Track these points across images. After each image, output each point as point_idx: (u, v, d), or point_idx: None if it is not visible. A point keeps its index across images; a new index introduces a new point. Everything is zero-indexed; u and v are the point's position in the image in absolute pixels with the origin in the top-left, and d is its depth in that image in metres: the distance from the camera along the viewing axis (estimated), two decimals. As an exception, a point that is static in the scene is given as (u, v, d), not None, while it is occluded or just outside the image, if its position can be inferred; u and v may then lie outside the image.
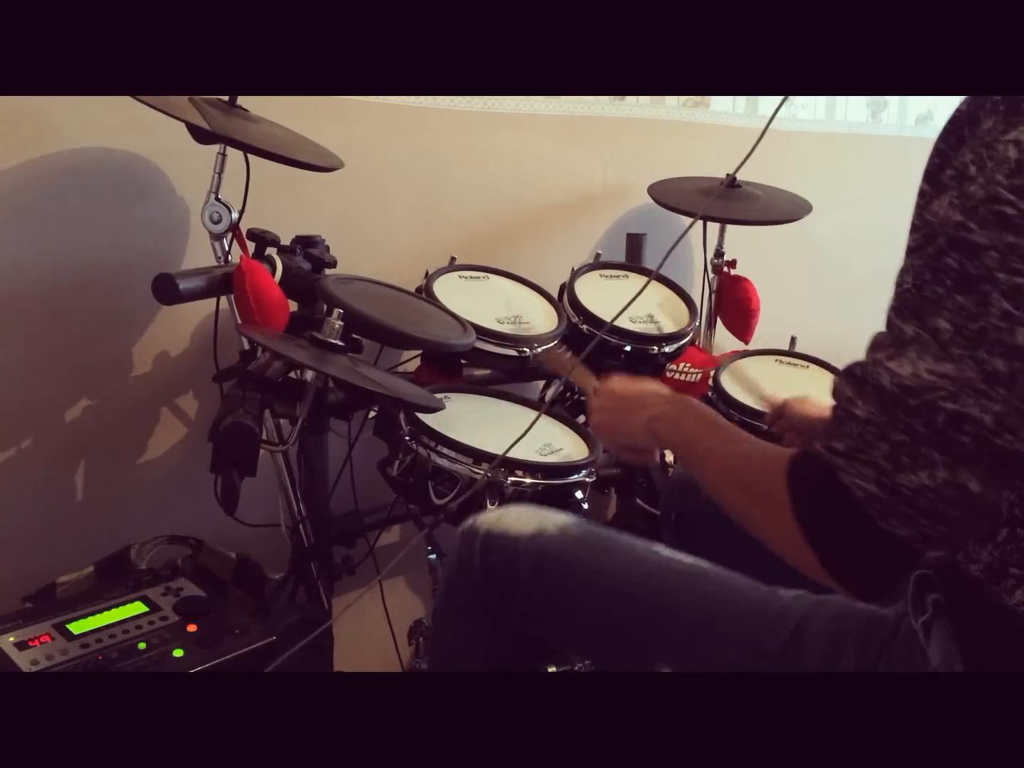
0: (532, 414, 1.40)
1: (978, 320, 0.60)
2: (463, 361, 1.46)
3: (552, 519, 0.97)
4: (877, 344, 0.67)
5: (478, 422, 1.32)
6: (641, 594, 0.90)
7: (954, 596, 0.75)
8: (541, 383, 1.69)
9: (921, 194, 0.70)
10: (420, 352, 1.50)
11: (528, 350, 1.43)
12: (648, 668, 0.89)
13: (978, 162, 0.62)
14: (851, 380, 0.67)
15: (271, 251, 1.29)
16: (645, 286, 0.91)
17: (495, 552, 0.95)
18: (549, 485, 1.21)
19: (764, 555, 0.94)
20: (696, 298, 1.72)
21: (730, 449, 0.81)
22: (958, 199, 0.63)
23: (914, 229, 0.69)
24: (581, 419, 1.57)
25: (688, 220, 1.89)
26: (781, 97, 1.13)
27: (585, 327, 1.54)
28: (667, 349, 1.57)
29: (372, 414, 1.39)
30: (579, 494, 1.24)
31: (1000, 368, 0.59)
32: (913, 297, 0.64)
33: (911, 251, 0.68)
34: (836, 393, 0.69)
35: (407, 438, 1.23)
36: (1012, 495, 0.67)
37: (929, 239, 0.65)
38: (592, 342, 0.93)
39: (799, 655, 0.82)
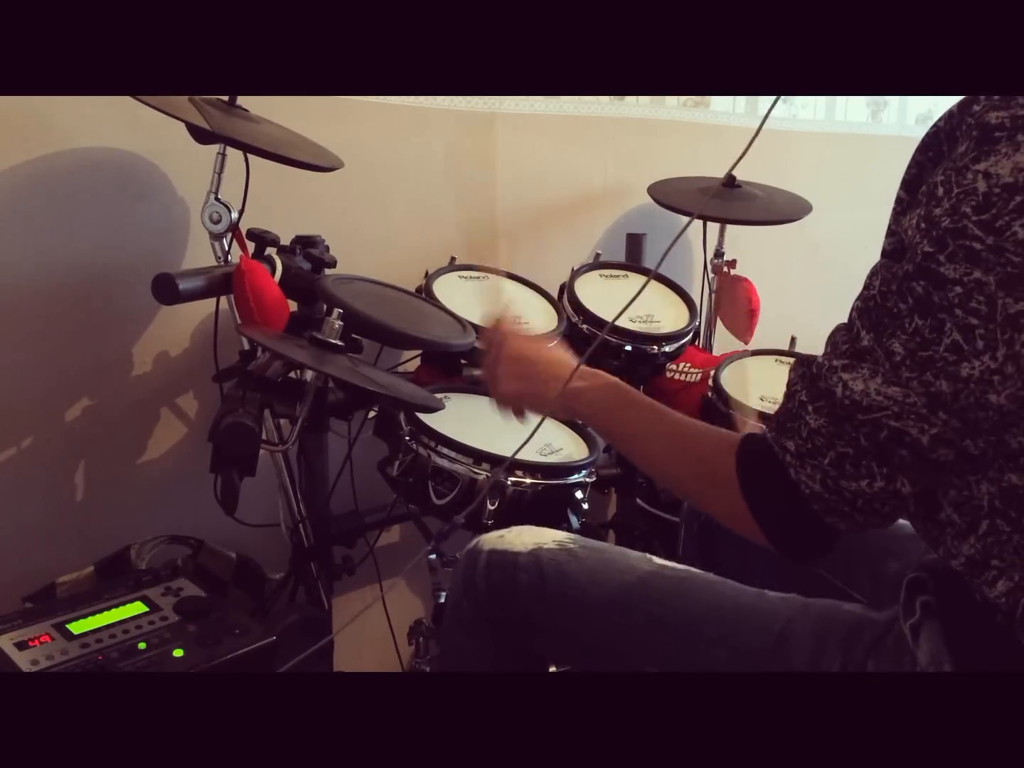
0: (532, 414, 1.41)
1: (929, 348, 0.64)
2: (463, 361, 1.46)
3: (551, 535, 1.00)
4: (835, 346, 0.70)
5: (478, 422, 1.32)
6: (635, 603, 0.92)
7: (944, 597, 0.75)
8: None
9: (898, 200, 0.71)
10: (420, 352, 1.50)
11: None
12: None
13: (946, 185, 0.64)
14: (807, 380, 0.72)
15: (271, 251, 1.29)
16: (644, 286, 0.92)
17: (497, 569, 0.97)
18: (549, 485, 1.21)
19: (781, 563, 0.95)
20: (696, 298, 1.72)
21: (675, 430, 0.85)
22: (924, 223, 0.65)
23: (890, 233, 0.71)
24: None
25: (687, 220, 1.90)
26: (781, 97, 1.13)
27: (585, 327, 1.54)
28: (667, 349, 1.57)
29: (372, 414, 1.39)
30: (579, 494, 1.25)
31: (944, 390, 0.64)
32: (876, 306, 0.68)
33: (885, 254, 0.71)
34: (791, 384, 0.74)
35: (407, 438, 1.23)
36: (992, 487, 0.68)
37: (899, 253, 0.68)
38: (594, 343, 0.94)
39: (786, 656, 0.83)
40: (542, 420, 1.03)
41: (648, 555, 0.98)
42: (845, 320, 0.72)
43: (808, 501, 0.71)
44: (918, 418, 0.65)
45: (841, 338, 0.70)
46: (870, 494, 0.69)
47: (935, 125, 0.69)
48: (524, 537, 0.99)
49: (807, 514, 0.71)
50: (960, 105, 0.67)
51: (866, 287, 0.70)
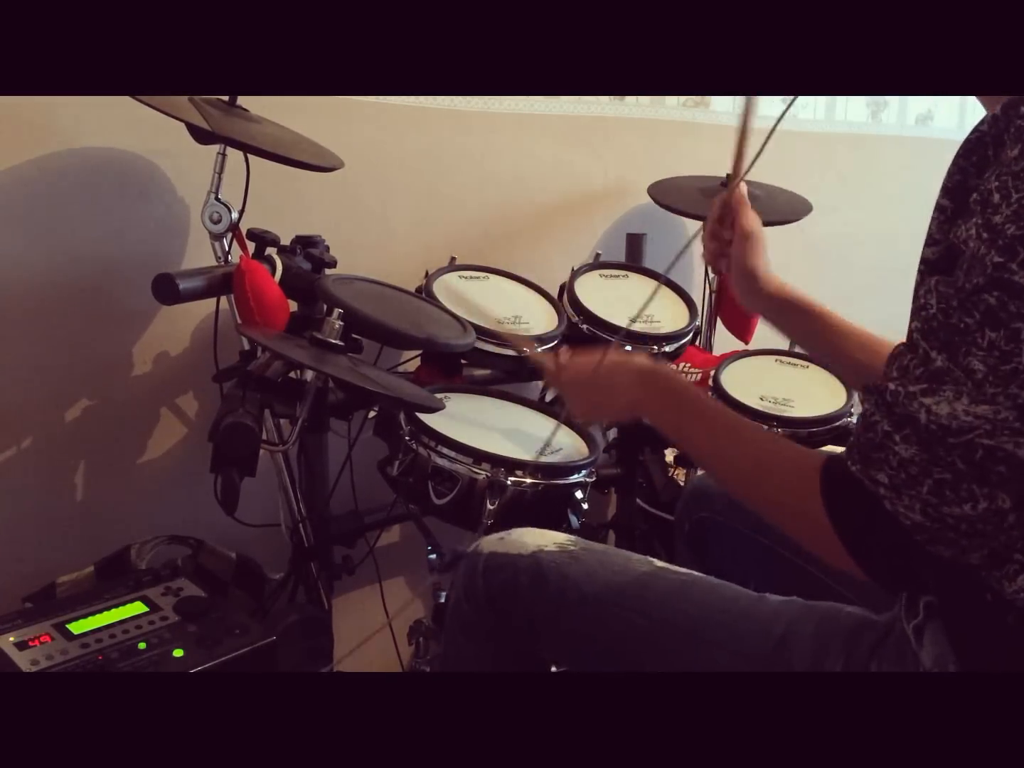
0: (532, 414, 1.41)
1: (1010, 360, 0.62)
2: (463, 361, 1.47)
3: (552, 537, 1.00)
4: (905, 370, 0.68)
5: (478, 422, 1.32)
6: (635, 605, 0.92)
7: (949, 593, 0.75)
8: (541, 383, 1.69)
9: (940, 208, 0.70)
10: (420, 352, 1.50)
11: (528, 350, 1.43)
12: None
13: (1003, 191, 0.62)
14: (884, 409, 0.69)
15: (271, 251, 1.29)
16: (655, 292, 0.92)
17: (497, 571, 0.97)
18: (549, 485, 1.21)
19: (775, 563, 0.94)
20: (696, 298, 1.72)
21: (747, 451, 0.81)
22: (986, 232, 0.63)
23: (933, 242, 0.69)
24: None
25: (688, 220, 1.90)
26: (781, 97, 1.13)
27: (585, 327, 1.54)
28: (667, 349, 1.57)
29: (372, 414, 1.39)
30: (579, 494, 1.24)
31: None
32: (940, 325, 0.65)
33: (929, 265, 0.69)
34: (868, 415, 0.70)
35: (407, 438, 1.23)
36: None
37: (947, 263, 0.66)
38: (608, 348, 0.94)
39: (787, 659, 0.83)
40: (556, 429, 1.04)
41: (649, 558, 0.97)
42: (904, 342, 0.70)
43: (910, 533, 0.68)
44: (1012, 432, 0.63)
45: (910, 362, 0.67)
46: (974, 516, 0.66)
47: (977, 130, 0.68)
48: (525, 539, 0.99)
49: (908, 546, 0.69)
50: (1004, 108, 0.66)
51: (922, 307, 0.68)
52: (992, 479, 0.65)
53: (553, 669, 1.13)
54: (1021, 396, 0.62)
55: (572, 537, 1.00)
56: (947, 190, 0.69)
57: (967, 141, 0.69)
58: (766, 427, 1.43)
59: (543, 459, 1.25)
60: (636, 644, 0.91)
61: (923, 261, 0.70)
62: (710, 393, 1.53)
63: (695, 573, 0.95)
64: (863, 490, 0.69)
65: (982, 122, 0.68)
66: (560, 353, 1.07)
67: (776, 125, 0.85)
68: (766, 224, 1.78)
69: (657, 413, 0.91)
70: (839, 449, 0.80)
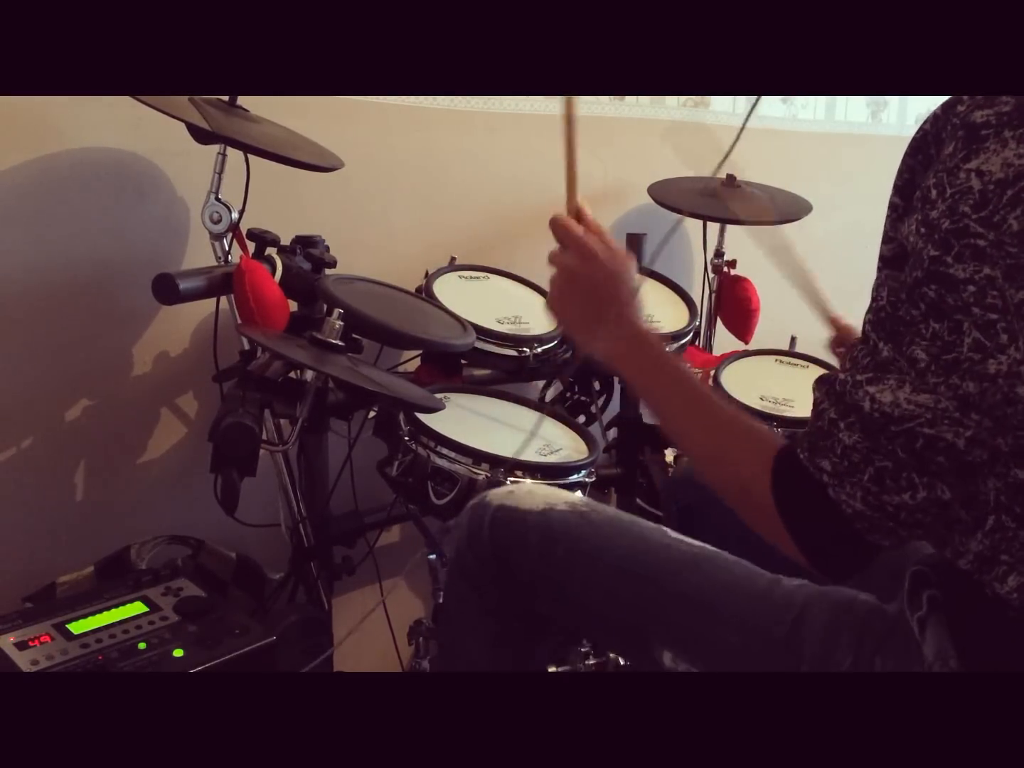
0: (532, 414, 1.41)
1: (952, 350, 0.63)
2: (463, 361, 1.47)
3: (562, 496, 0.98)
4: (856, 361, 0.70)
5: (478, 422, 1.32)
6: (647, 573, 0.90)
7: (949, 591, 0.75)
8: (541, 383, 1.69)
9: (893, 207, 0.71)
10: (420, 352, 1.50)
11: (528, 350, 1.43)
12: (648, 651, 0.89)
13: (939, 187, 0.64)
14: (832, 397, 0.70)
15: (271, 251, 1.29)
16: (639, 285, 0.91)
17: (505, 526, 0.95)
18: (549, 485, 1.21)
19: (762, 546, 0.93)
20: (696, 298, 1.72)
21: (706, 424, 0.82)
22: (924, 227, 0.65)
23: (887, 240, 0.71)
24: (581, 419, 1.57)
25: (690, 221, 1.90)
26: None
27: (585, 327, 1.54)
28: (667, 349, 1.57)
29: (372, 414, 1.39)
30: (579, 494, 1.24)
31: (972, 391, 0.63)
32: (888, 316, 0.67)
33: (885, 261, 0.71)
34: (817, 405, 0.72)
35: (407, 438, 1.23)
36: (998, 483, 0.68)
37: (900, 260, 0.68)
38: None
39: (798, 644, 0.83)
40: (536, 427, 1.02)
41: (663, 527, 0.96)
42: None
43: (851, 521, 0.69)
44: (952, 423, 0.64)
45: (860, 353, 0.69)
46: (913, 505, 0.67)
47: (921, 129, 0.70)
48: (535, 495, 0.97)
49: (849, 534, 0.70)
50: (944, 107, 0.68)
51: (874, 300, 0.70)
52: (931, 468, 0.66)
53: (552, 669, 1.13)
54: (962, 387, 0.63)
55: (583, 497, 0.98)
56: (898, 188, 0.71)
57: (913, 140, 0.70)
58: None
59: (543, 459, 1.25)
60: (645, 614, 0.90)
61: (880, 258, 0.72)
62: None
63: (710, 548, 0.93)
64: (809, 478, 0.71)
65: (926, 120, 0.69)
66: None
67: (746, 120, 0.85)
68: (766, 224, 1.79)
69: (632, 370, 0.88)
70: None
